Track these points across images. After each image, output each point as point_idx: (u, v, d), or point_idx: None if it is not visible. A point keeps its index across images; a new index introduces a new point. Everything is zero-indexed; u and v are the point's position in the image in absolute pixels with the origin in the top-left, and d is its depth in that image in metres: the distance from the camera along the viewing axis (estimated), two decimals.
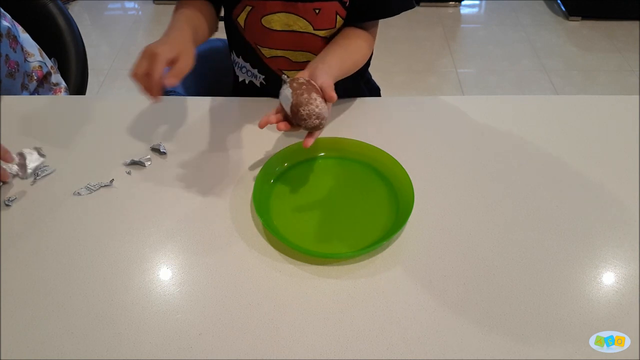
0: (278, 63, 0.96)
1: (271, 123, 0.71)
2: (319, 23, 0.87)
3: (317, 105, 0.68)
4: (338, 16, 0.87)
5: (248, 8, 0.88)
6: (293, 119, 0.70)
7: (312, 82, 0.71)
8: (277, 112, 0.72)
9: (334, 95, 0.70)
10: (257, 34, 0.92)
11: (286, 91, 0.70)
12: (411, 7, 0.90)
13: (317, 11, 0.86)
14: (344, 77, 0.82)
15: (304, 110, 0.68)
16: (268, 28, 0.89)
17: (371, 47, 0.93)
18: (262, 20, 0.88)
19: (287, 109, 0.70)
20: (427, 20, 2.84)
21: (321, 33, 0.89)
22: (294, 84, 0.70)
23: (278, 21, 0.88)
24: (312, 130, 0.71)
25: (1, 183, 0.77)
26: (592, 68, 2.50)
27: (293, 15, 0.87)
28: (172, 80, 0.68)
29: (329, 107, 0.71)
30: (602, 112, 0.95)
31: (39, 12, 1.21)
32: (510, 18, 2.89)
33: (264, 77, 0.99)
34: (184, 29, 0.78)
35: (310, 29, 0.88)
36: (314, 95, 0.69)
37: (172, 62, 0.69)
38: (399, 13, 0.88)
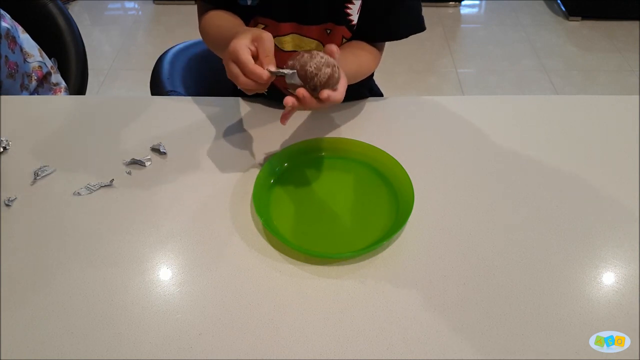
0: (283, 81, 0.95)
1: (288, 104, 0.65)
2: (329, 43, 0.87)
3: (322, 56, 0.65)
4: (344, 39, 0.88)
5: (260, 26, 0.87)
6: (307, 84, 0.65)
7: None
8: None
9: (334, 45, 0.66)
10: None
11: (287, 70, 0.66)
12: (421, 30, 0.88)
13: (328, 32, 0.86)
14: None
15: (310, 67, 0.64)
16: (279, 48, 0.88)
17: (377, 61, 0.91)
18: (275, 40, 0.88)
19: (297, 81, 0.65)
20: (427, 20, 2.78)
21: None
22: (291, 60, 0.67)
23: (290, 42, 0.88)
24: (331, 83, 0.65)
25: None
26: (592, 68, 2.50)
27: (306, 38, 0.87)
28: (267, 59, 0.65)
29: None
30: (602, 112, 0.95)
31: (39, 12, 1.21)
32: (510, 18, 2.89)
33: (266, 91, 0.99)
34: (239, 23, 0.81)
35: (321, 48, 0.87)
36: (313, 52, 0.65)
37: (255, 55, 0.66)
38: (407, 37, 0.87)
